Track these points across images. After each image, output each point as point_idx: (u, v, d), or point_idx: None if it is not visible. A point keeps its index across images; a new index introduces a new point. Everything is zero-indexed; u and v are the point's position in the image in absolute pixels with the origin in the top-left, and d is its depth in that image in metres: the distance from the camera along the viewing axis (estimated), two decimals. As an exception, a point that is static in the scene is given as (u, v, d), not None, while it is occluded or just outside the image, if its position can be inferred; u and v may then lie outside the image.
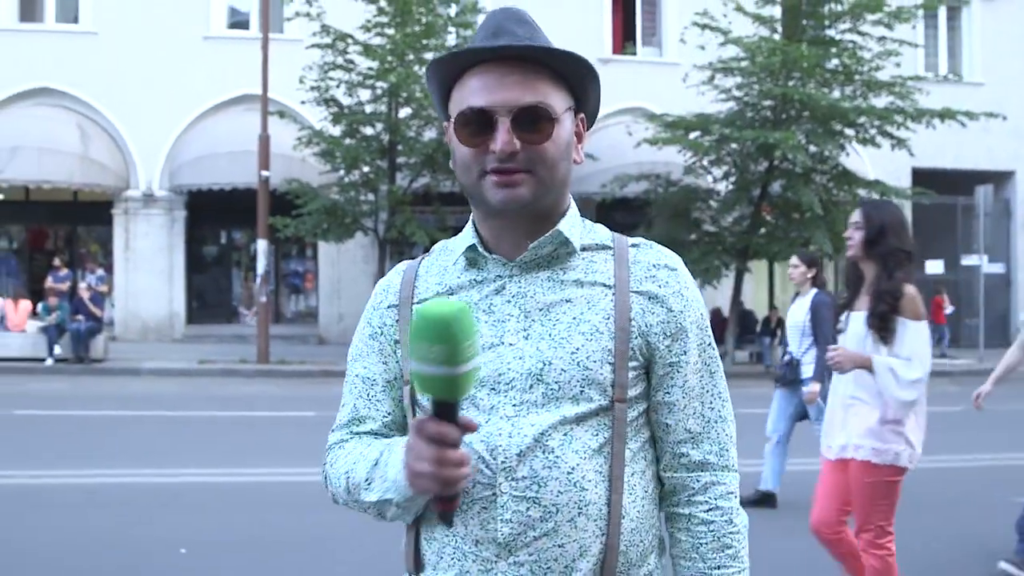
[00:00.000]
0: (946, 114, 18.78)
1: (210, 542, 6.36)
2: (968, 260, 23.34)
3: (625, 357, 1.61)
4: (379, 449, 1.63)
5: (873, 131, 19.25)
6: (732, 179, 19.95)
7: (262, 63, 17.78)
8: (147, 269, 21.58)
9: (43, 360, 16.87)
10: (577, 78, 1.66)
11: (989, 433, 11.02)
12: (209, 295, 23.67)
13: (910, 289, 4.34)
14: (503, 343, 1.60)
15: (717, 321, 19.44)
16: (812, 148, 18.82)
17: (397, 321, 1.70)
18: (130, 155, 21.47)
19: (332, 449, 1.74)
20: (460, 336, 1.33)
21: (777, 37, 19.37)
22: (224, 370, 16.91)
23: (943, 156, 23.53)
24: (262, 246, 18.02)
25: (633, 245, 1.71)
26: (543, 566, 1.55)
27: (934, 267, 23.13)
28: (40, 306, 17.70)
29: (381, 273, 19.11)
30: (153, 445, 9.74)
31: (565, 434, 1.57)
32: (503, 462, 1.56)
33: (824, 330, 7.12)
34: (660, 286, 1.66)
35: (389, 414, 1.71)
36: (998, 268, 23.83)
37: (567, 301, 1.62)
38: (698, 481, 1.68)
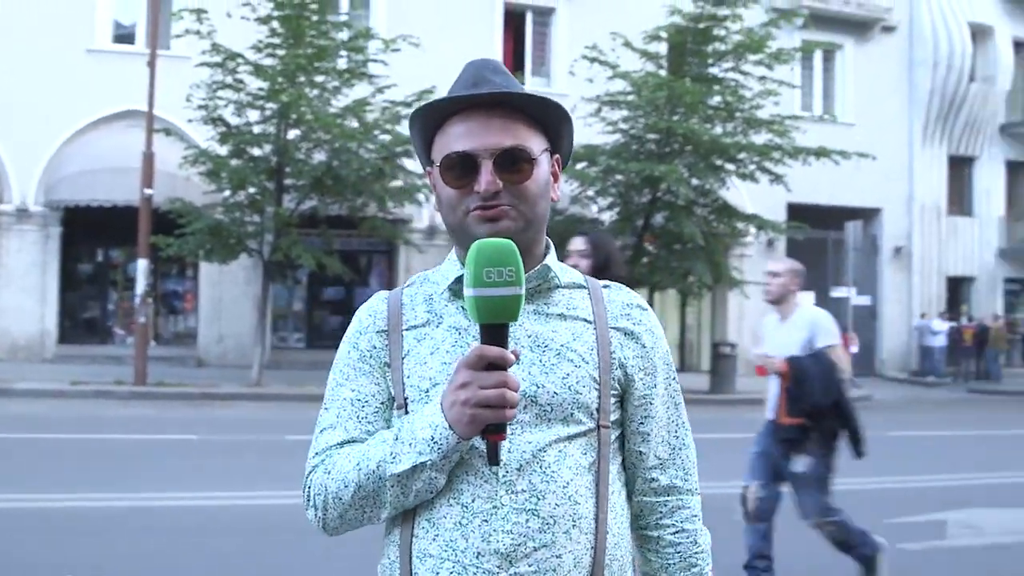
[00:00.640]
0: (822, 152, 19.59)
1: (89, 566, 6.22)
2: (838, 292, 24.25)
3: (608, 386, 1.74)
4: (389, 431, 1.69)
5: (752, 166, 19.95)
6: (616, 209, 20.36)
7: (149, 79, 17.43)
8: (18, 286, 20.80)
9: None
10: (552, 121, 1.79)
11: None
12: (83, 314, 22.95)
13: None
14: None
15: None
16: (694, 181, 19.37)
17: (387, 345, 1.77)
18: (3, 168, 20.74)
19: (320, 464, 1.74)
20: (520, 260, 1.52)
21: (663, 73, 19.92)
22: (99, 391, 16.42)
23: (816, 192, 24.47)
24: (142, 265, 17.61)
25: (605, 286, 1.85)
26: None
27: (806, 298, 23.90)
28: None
29: (264, 295, 18.89)
30: (30, 467, 9.43)
31: (559, 451, 1.68)
32: (504, 476, 1.65)
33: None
34: (634, 324, 1.81)
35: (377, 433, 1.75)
36: (865, 300, 24.83)
37: (553, 331, 1.74)
38: (666, 505, 1.82)
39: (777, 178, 19.93)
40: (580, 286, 1.83)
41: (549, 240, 1.84)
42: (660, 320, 1.83)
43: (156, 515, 7.76)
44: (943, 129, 29.24)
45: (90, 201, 20.00)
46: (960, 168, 30.16)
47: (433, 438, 1.60)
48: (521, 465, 1.65)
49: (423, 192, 19.11)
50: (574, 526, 1.66)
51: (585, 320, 1.77)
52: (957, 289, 30.24)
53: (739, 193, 22.22)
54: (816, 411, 5.83)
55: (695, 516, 1.84)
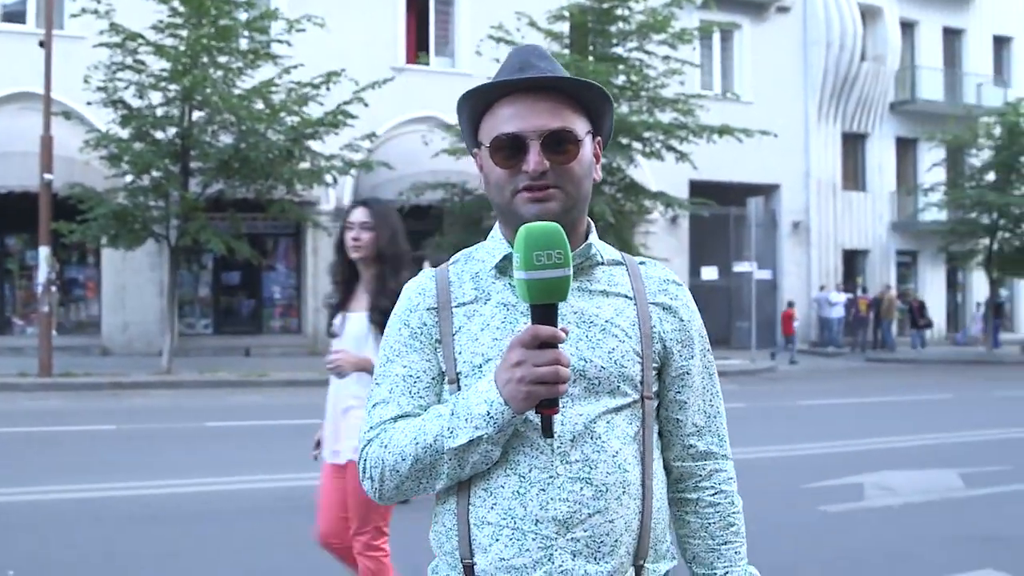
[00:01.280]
0: (725, 130, 20.01)
1: (27, 560, 6.10)
2: (740, 267, 24.87)
3: (649, 359, 1.83)
4: (444, 406, 1.75)
5: (659, 145, 20.26)
6: (527, 188, 20.44)
7: (45, 60, 16.89)
8: (-92, 277, 20.04)
9: None
10: (595, 105, 1.86)
11: (774, 427, 11.88)
12: (-23, 305, 22.19)
13: None
14: None
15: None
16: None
17: (438, 322, 1.83)
18: None
19: (376, 438, 1.80)
20: (567, 242, 1.59)
21: (567, 53, 20.07)
22: (2, 384, 15.93)
23: (717, 169, 24.95)
24: (44, 253, 17.10)
25: (641, 263, 1.94)
26: (597, 541, 1.72)
27: (709, 273, 24.57)
28: None
29: (173, 280, 18.52)
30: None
31: (608, 422, 1.76)
32: (558, 447, 1.72)
33: None
34: (672, 299, 1.90)
35: (431, 408, 1.81)
36: (766, 275, 25.47)
37: (597, 308, 1.82)
38: (704, 469, 1.91)
39: (683, 156, 20.30)
40: (619, 263, 1.91)
41: (590, 220, 1.91)
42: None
43: (91, 506, 7.61)
44: (837, 107, 30.12)
45: (-18, 187, 19.31)
46: (853, 145, 31.15)
47: (489, 413, 1.67)
48: (574, 436, 1.73)
49: (331, 174, 18.96)
50: (624, 492, 1.75)
51: (626, 296, 1.85)
52: (852, 262, 31.26)
53: (643, 171, 22.55)
54: None
55: (731, 479, 1.94)
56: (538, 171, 1.75)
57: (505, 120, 1.78)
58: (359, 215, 4.37)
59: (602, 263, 1.88)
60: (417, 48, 24.63)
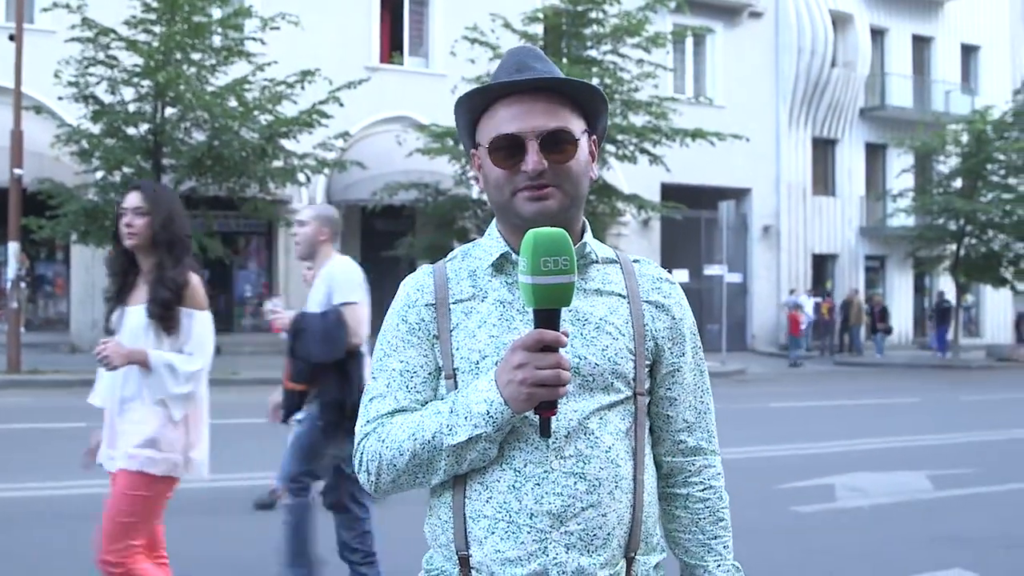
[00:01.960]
0: (698, 134, 20.11)
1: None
2: (710, 270, 25.02)
3: (642, 356, 1.86)
4: (443, 403, 1.77)
5: (632, 148, 20.34)
6: (499, 189, 20.46)
7: (15, 54, 16.73)
8: None
9: None
10: (591, 105, 1.89)
11: (746, 429, 11.96)
12: (-58, 301, 21.90)
13: (195, 278, 4.06)
14: None
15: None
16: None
17: (435, 318, 1.85)
18: None
19: (373, 432, 1.82)
20: (573, 249, 1.61)
21: (542, 55, 20.08)
22: (-32, 381, 15.76)
23: (688, 173, 25.09)
24: (13, 248, 16.92)
25: (635, 261, 1.97)
26: (590, 534, 1.74)
27: (680, 276, 24.64)
28: None
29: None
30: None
31: (601, 418, 1.79)
32: (553, 442, 1.75)
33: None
34: (664, 297, 1.93)
35: (429, 404, 1.84)
36: (736, 278, 25.63)
37: (592, 306, 1.85)
38: (693, 464, 1.95)
39: (656, 159, 20.38)
40: (613, 261, 1.94)
41: (585, 219, 1.94)
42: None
43: (61, 504, 7.55)
44: (807, 112, 30.36)
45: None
46: (823, 150, 31.42)
47: (488, 412, 1.70)
48: (568, 432, 1.76)
49: (304, 172, 18.90)
50: (616, 487, 1.78)
51: (619, 295, 1.88)
52: (822, 266, 31.51)
53: (616, 174, 22.63)
54: (314, 373, 5.17)
55: (719, 474, 1.98)
56: (537, 171, 1.78)
57: (503, 121, 1.81)
58: (131, 200, 4.06)
59: (597, 262, 1.90)
60: (391, 48, 24.60)
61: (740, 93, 28.66)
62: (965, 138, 27.91)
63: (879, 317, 29.17)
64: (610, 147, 20.14)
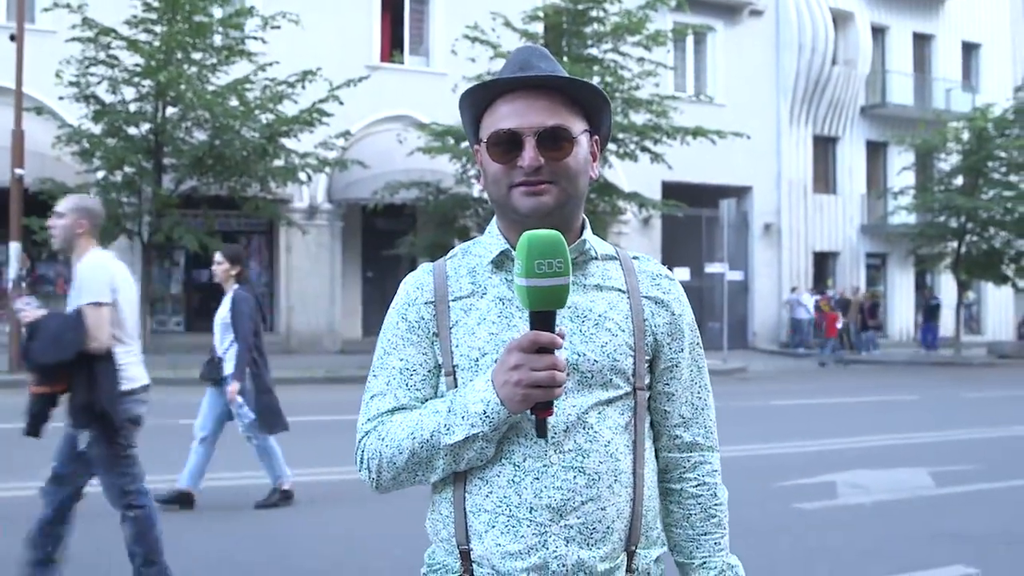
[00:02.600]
0: (699, 132, 20.11)
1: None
2: (712, 268, 25.02)
3: (641, 352, 1.87)
4: (441, 402, 1.79)
5: (633, 146, 20.34)
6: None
7: (16, 54, 16.73)
8: None
9: None
10: (593, 105, 1.90)
11: (747, 427, 11.97)
12: (-57, 301, 21.90)
13: None
14: None
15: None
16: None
17: (435, 316, 1.86)
18: None
19: (374, 430, 1.84)
20: (567, 251, 1.62)
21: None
22: (-28, 381, 15.75)
23: (689, 171, 25.07)
24: (15, 249, 16.93)
25: (634, 257, 1.97)
26: (589, 527, 1.76)
27: (680, 274, 24.64)
28: None
29: (145, 277, 18.40)
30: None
31: (599, 413, 1.80)
32: (552, 437, 1.76)
33: (243, 326, 7.38)
34: (664, 293, 1.93)
35: (428, 401, 1.85)
36: (738, 276, 25.63)
37: (591, 302, 1.86)
38: (688, 460, 1.95)
39: (657, 157, 20.39)
40: (612, 258, 1.95)
41: (584, 216, 1.95)
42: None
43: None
44: (808, 110, 30.35)
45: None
46: (824, 148, 31.40)
47: (485, 412, 1.71)
48: (567, 427, 1.77)
49: (305, 171, 18.92)
50: (616, 480, 1.79)
51: (619, 290, 1.89)
52: (823, 264, 31.50)
53: (616, 172, 22.64)
54: (54, 375, 4.94)
55: (715, 471, 1.98)
56: (533, 166, 1.79)
57: (503, 117, 1.83)
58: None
59: (596, 258, 1.91)
60: (392, 47, 24.61)
61: (741, 91, 28.65)
62: (966, 135, 27.92)
63: (869, 314, 28.96)
64: (611, 145, 20.12)
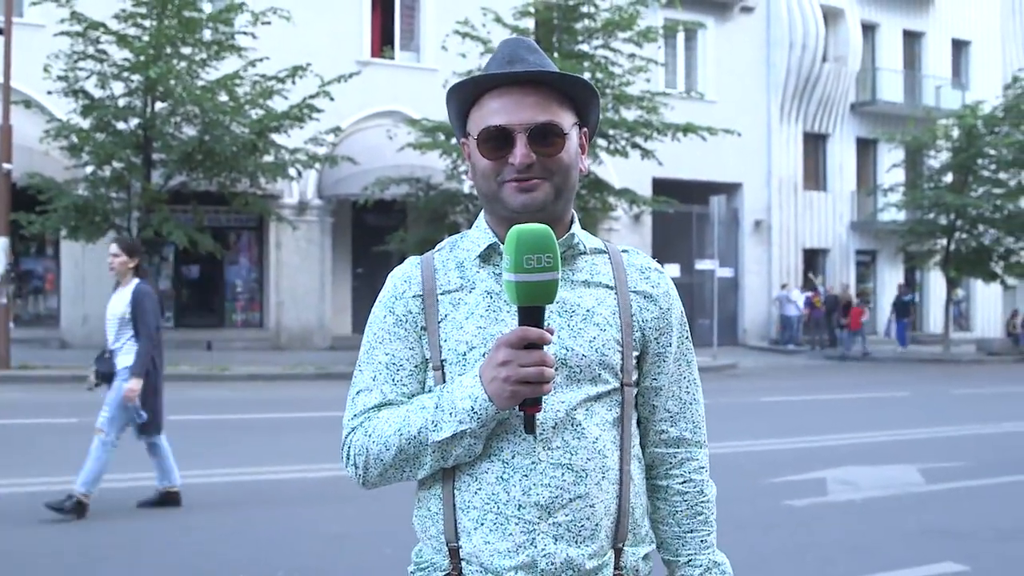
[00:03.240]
0: (689, 128, 20.10)
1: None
2: (702, 264, 25.04)
3: (629, 347, 1.85)
4: (428, 398, 1.76)
5: (623, 142, 20.33)
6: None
7: (4, 48, 16.65)
8: None
9: None
10: (582, 99, 1.87)
11: (738, 423, 11.99)
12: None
13: None
14: None
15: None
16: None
17: (423, 309, 1.84)
18: None
19: (360, 426, 1.82)
20: (557, 246, 1.61)
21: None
22: (-42, 377, 15.70)
23: (679, 167, 25.10)
24: (2, 244, 16.86)
25: (623, 251, 1.95)
26: (577, 525, 1.74)
27: (671, 270, 24.66)
28: None
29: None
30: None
31: (587, 409, 1.78)
32: (540, 434, 1.74)
33: (148, 322, 7.08)
34: (652, 287, 1.91)
35: (415, 397, 1.83)
36: (728, 272, 25.65)
37: (579, 298, 1.83)
38: (675, 457, 1.93)
39: (647, 153, 20.39)
40: (601, 251, 1.92)
41: (573, 211, 1.93)
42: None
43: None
44: (798, 107, 30.38)
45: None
46: (814, 145, 31.45)
47: (473, 408, 1.69)
48: (555, 423, 1.75)
49: (294, 167, 18.87)
50: (604, 477, 1.78)
51: (607, 286, 1.87)
52: (813, 261, 31.56)
53: (607, 168, 22.64)
54: None
55: (702, 468, 1.96)
56: (524, 164, 1.77)
57: (493, 113, 1.80)
58: None
59: (585, 252, 1.89)
60: (382, 42, 24.52)
61: (731, 88, 28.67)
62: (956, 133, 27.97)
63: (842, 313, 28.31)
64: (601, 141, 20.12)
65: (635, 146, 20.38)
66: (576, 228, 1.89)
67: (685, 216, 26.90)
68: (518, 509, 1.73)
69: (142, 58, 16.81)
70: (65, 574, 5.84)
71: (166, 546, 6.38)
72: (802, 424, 12.81)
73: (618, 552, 1.80)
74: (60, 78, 17.24)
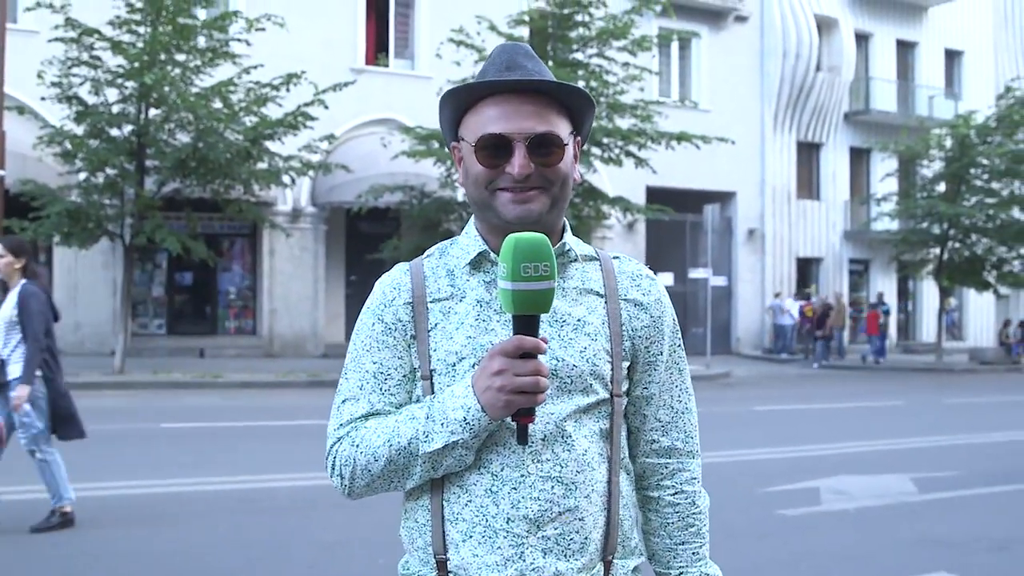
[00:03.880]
0: (683, 137, 20.14)
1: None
2: (695, 273, 25.04)
3: (619, 357, 1.82)
4: (419, 408, 1.74)
5: (617, 151, 20.36)
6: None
7: (-3, 54, 16.62)
8: None
9: None
10: (578, 108, 1.85)
11: (731, 432, 11.98)
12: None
13: None
14: None
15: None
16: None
17: (413, 318, 1.81)
18: None
19: (347, 435, 1.79)
20: (553, 255, 1.59)
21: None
22: (-50, 383, 15.60)
23: (673, 176, 25.13)
24: (-6, 250, 16.78)
25: (615, 258, 1.92)
26: (567, 538, 1.72)
27: (664, 279, 24.68)
28: None
29: (127, 280, 18.31)
30: None
31: (576, 421, 1.75)
32: (530, 447, 1.72)
33: (34, 325, 6.71)
34: (644, 294, 1.88)
35: (403, 407, 1.80)
36: (721, 281, 25.65)
37: (570, 307, 1.81)
38: (666, 467, 1.91)
39: (641, 162, 20.42)
40: (593, 258, 1.90)
41: (565, 219, 1.91)
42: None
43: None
44: (792, 116, 30.46)
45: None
46: (808, 154, 31.51)
47: (466, 419, 1.66)
48: (545, 436, 1.73)
49: (288, 174, 18.85)
50: (592, 490, 1.75)
51: (597, 294, 1.85)
52: (806, 270, 31.60)
53: (600, 176, 22.65)
54: None
55: (694, 479, 1.93)
56: (523, 174, 1.74)
57: (491, 120, 1.77)
58: None
59: (576, 260, 1.87)
60: (376, 50, 24.56)
61: (725, 97, 28.73)
62: (949, 142, 28.04)
63: (816, 323, 27.84)
64: (595, 150, 20.13)
65: (629, 154, 20.40)
66: (568, 236, 1.87)
67: (679, 225, 26.93)
68: (507, 522, 1.71)
69: (136, 65, 16.79)
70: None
71: (156, 554, 6.35)
72: (795, 433, 12.81)
73: (607, 565, 1.78)
74: (54, 84, 17.20)
